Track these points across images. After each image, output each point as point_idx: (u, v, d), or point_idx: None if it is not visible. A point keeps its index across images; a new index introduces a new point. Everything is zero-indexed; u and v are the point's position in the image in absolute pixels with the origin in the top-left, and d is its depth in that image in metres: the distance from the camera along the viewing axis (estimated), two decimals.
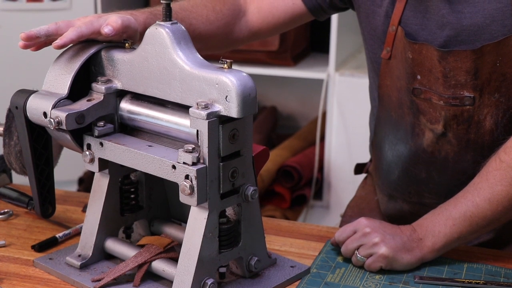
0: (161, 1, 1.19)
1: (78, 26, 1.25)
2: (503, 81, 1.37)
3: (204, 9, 1.53)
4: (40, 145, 1.33)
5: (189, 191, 1.13)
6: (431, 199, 1.51)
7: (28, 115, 1.28)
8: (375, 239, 1.32)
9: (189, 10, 1.50)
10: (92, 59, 1.28)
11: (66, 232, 1.43)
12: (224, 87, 1.12)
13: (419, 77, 1.42)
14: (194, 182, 1.13)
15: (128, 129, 1.30)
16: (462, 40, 1.38)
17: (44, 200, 1.38)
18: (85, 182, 2.76)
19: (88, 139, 1.27)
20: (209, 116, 1.12)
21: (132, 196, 1.36)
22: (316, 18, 1.64)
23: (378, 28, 1.48)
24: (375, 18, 1.48)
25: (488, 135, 1.42)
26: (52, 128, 1.22)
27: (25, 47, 1.28)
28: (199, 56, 1.20)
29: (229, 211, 1.24)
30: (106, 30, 1.24)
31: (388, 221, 1.58)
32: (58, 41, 1.23)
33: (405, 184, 1.55)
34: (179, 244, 1.25)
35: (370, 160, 1.74)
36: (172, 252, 1.29)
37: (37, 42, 1.27)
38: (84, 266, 1.30)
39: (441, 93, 1.41)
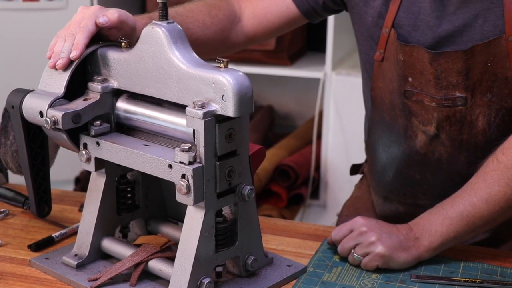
0: (158, 0, 1.19)
1: (84, 25, 1.25)
2: (494, 81, 1.38)
3: (200, 14, 1.53)
4: (36, 145, 1.33)
5: (185, 190, 1.13)
6: (426, 200, 1.51)
7: (24, 114, 1.27)
8: (371, 238, 1.32)
9: (185, 15, 1.50)
10: (88, 59, 1.27)
11: (63, 231, 1.43)
12: (221, 86, 1.12)
13: (410, 79, 1.42)
14: (191, 182, 1.13)
15: (125, 128, 1.30)
16: (454, 41, 1.38)
17: (40, 199, 1.38)
18: (82, 182, 2.76)
19: (84, 139, 1.27)
20: (205, 115, 1.12)
21: (129, 195, 1.36)
22: (310, 21, 1.64)
23: (370, 29, 1.49)
24: (368, 19, 1.49)
25: (481, 135, 1.42)
26: (48, 128, 1.22)
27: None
28: (196, 55, 1.19)
29: (226, 211, 1.24)
30: (101, 20, 1.25)
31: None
32: (75, 53, 1.24)
33: (399, 185, 1.55)
34: (176, 244, 1.25)
35: (366, 161, 1.74)
36: (168, 251, 1.29)
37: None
38: (80, 266, 1.30)
39: (433, 95, 1.41)
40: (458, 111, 1.41)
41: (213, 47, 1.58)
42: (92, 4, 2.77)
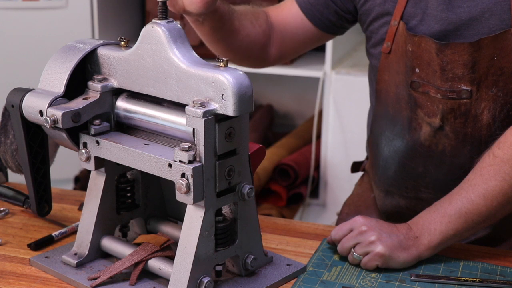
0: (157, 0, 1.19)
1: None
2: (500, 75, 1.38)
3: (248, 15, 1.58)
4: (36, 144, 1.33)
5: (185, 189, 1.13)
6: (427, 193, 1.51)
7: (24, 113, 1.27)
8: (371, 237, 1.32)
9: (239, 13, 1.56)
10: (88, 58, 1.27)
11: (62, 230, 1.43)
12: (220, 85, 1.12)
13: (417, 70, 1.43)
14: (190, 181, 1.13)
15: (124, 127, 1.30)
16: (461, 34, 1.39)
17: (40, 198, 1.38)
18: (81, 181, 2.76)
19: (84, 138, 1.27)
20: (205, 114, 1.12)
21: (128, 194, 1.36)
22: (332, 34, 1.64)
23: (378, 26, 1.49)
24: (375, 16, 1.49)
25: (485, 129, 1.42)
26: (48, 127, 1.22)
27: None
28: (195, 54, 1.19)
29: (225, 210, 1.24)
30: None
31: (384, 217, 1.59)
32: None
33: (402, 179, 1.55)
34: (176, 243, 1.25)
35: (367, 158, 1.74)
36: (168, 250, 1.29)
37: None
38: (80, 265, 1.30)
39: (439, 86, 1.41)
40: (463, 104, 1.41)
41: (258, 49, 1.61)
42: (91, 2, 2.77)
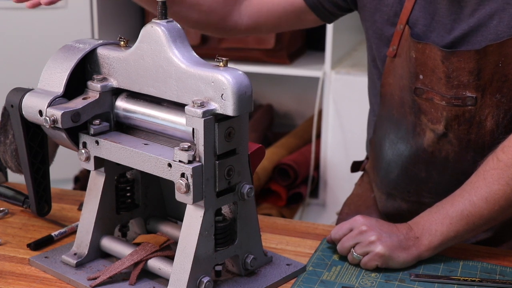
0: None
1: None
2: (505, 81, 1.37)
3: None
4: (36, 144, 1.33)
5: (185, 189, 1.13)
6: (430, 198, 1.51)
7: (23, 113, 1.27)
8: (371, 237, 1.32)
9: None
10: (87, 57, 1.27)
11: (62, 230, 1.43)
12: (220, 85, 1.12)
13: (421, 77, 1.42)
14: (190, 180, 1.13)
15: (124, 127, 1.30)
16: (469, 41, 1.38)
17: (40, 198, 1.38)
18: (81, 181, 2.76)
19: (83, 138, 1.27)
20: (204, 114, 1.12)
21: (128, 194, 1.36)
22: (322, 20, 1.62)
23: (385, 27, 1.48)
24: (383, 17, 1.48)
25: (489, 135, 1.42)
26: (48, 127, 1.22)
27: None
28: (195, 54, 1.20)
29: (225, 209, 1.24)
30: None
31: (385, 219, 1.58)
32: None
33: (404, 183, 1.55)
34: (175, 243, 1.25)
35: (367, 158, 1.74)
36: (168, 250, 1.29)
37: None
38: (80, 265, 1.30)
39: (443, 93, 1.41)
40: (468, 111, 1.40)
41: (215, 19, 1.58)
42: (91, 3, 2.77)
